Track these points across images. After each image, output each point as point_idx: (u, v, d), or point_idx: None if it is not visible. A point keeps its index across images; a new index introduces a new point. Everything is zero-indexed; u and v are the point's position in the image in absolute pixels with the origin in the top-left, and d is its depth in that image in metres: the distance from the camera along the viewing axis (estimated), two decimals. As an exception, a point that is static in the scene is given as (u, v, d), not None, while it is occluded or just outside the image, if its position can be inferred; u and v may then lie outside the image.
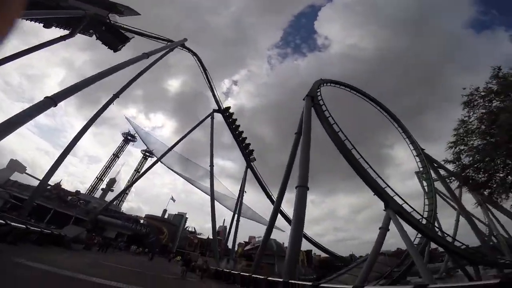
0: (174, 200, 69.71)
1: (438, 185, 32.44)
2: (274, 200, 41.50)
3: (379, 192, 21.46)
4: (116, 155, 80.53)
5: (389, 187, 22.18)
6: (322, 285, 8.94)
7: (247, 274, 16.59)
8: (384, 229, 20.63)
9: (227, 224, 55.10)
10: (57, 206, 40.40)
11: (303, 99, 23.09)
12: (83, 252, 21.20)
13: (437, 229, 25.55)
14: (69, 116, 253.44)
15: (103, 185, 73.71)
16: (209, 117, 40.99)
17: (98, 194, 70.34)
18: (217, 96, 40.39)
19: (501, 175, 12.06)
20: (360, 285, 17.52)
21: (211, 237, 56.86)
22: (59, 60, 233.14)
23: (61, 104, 16.49)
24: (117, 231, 46.60)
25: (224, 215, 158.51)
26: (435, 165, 33.60)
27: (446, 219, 73.24)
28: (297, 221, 16.83)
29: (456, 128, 13.05)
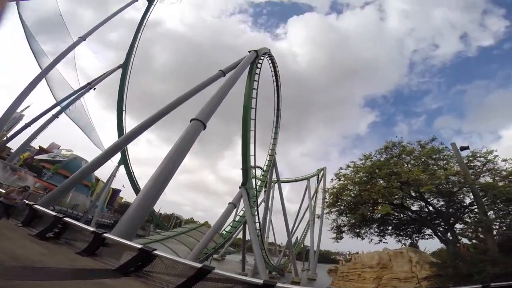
0: None
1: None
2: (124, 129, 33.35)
3: (246, 168, 21.57)
4: None
5: (255, 168, 23.04)
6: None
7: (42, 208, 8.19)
8: (233, 205, 20.93)
9: (28, 116, 38.19)
10: None
11: (249, 52, 21.74)
12: None
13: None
14: None
15: None
16: None
17: None
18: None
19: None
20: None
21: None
22: None
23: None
24: None
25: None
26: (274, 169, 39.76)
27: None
28: (174, 157, 12.55)
29: (360, 158, 16.41)
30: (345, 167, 16.35)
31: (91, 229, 7.92)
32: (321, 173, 53.27)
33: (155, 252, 6.64)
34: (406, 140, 15.95)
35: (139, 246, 6.79)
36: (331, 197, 15.95)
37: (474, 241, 15.39)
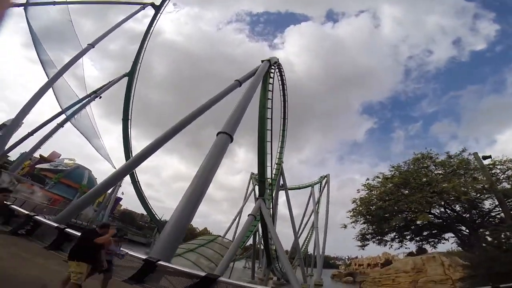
0: None
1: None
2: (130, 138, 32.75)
3: (263, 179, 21.18)
4: None
5: (271, 178, 22.67)
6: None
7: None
8: (252, 216, 20.35)
9: (27, 124, 37.14)
10: None
11: (262, 61, 20.84)
12: None
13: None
14: None
15: None
16: None
17: None
18: None
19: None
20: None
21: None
22: None
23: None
24: None
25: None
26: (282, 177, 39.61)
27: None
28: (205, 172, 12.05)
29: (390, 169, 16.61)
30: (372, 178, 16.43)
31: (143, 256, 7.43)
32: (325, 180, 53.03)
33: (221, 279, 6.48)
34: (414, 150, 16.62)
35: (203, 274, 6.50)
36: (359, 207, 15.91)
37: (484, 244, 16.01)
